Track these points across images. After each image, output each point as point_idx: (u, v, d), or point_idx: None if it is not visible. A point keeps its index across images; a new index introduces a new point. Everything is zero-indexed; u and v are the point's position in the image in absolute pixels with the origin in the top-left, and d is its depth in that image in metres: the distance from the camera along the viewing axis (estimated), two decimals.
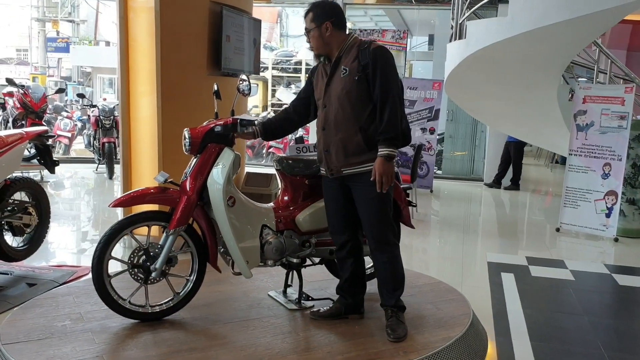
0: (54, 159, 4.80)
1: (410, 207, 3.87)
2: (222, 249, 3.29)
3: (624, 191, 6.63)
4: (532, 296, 4.60)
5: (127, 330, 3.08)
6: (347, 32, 3.17)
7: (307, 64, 22.20)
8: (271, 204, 3.49)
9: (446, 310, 3.54)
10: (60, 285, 4.28)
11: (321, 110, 3.17)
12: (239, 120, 3.15)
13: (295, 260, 3.39)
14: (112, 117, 9.44)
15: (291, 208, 3.43)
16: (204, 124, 3.26)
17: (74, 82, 25.44)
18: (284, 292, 3.66)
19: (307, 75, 22.69)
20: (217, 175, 3.13)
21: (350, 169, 3.07)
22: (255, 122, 3.12)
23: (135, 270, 3.16)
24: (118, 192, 8.87)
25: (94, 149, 9.79)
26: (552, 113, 7.27)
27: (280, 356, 2.86)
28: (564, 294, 4.74)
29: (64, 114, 13.45)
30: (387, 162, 2.94)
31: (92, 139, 9.78)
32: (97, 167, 9.93)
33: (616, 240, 6.55)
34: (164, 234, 3.18)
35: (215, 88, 3.41)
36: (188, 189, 3.14)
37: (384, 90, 2.97)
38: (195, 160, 3.22)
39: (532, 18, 5.71)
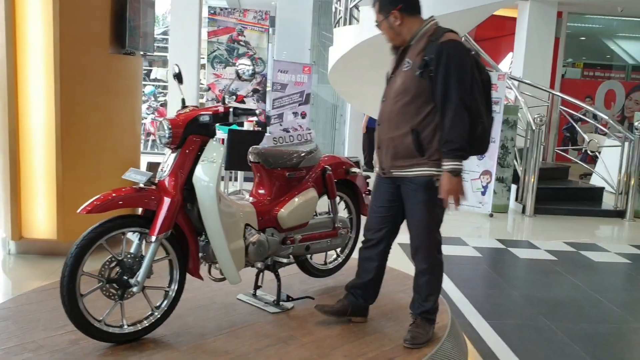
0: None
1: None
2: (202, 254, 2.94)
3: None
4: (454, 275, 4.78)
5: (110, 357, 2.61)
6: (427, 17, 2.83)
7: None
8: (249, 199, 3.19)
9: None
10: None
11: (380, 103, 2.92)
12: (231, 109, 2.78)
13: (285, 260, 3.14)
14: None
15: (271, 204, 3.16)
16: (182, 111, 2.85)
17: None
18: (254, 295, 3.38)
19: None
20: (206, 171, 2.76)
21: (398, 171, 2.83)
22: (257, 111, 2.76)
23: (108, 285, 2.69)
24: None
25: None
26: None
27: None
28: (480, 269, 5.05)
29: None
30: (453, 178, 2.65)
31: None
32: None
33: (491, 215, 7.14)
34: (137, 241, 2.75)
35: (177, 70, 2.99)
36: (170, 188, 2.73)
37: (445, 92, 2.62)
38: (173, 154, 2.80)
39: (429, 6, 5.89)
